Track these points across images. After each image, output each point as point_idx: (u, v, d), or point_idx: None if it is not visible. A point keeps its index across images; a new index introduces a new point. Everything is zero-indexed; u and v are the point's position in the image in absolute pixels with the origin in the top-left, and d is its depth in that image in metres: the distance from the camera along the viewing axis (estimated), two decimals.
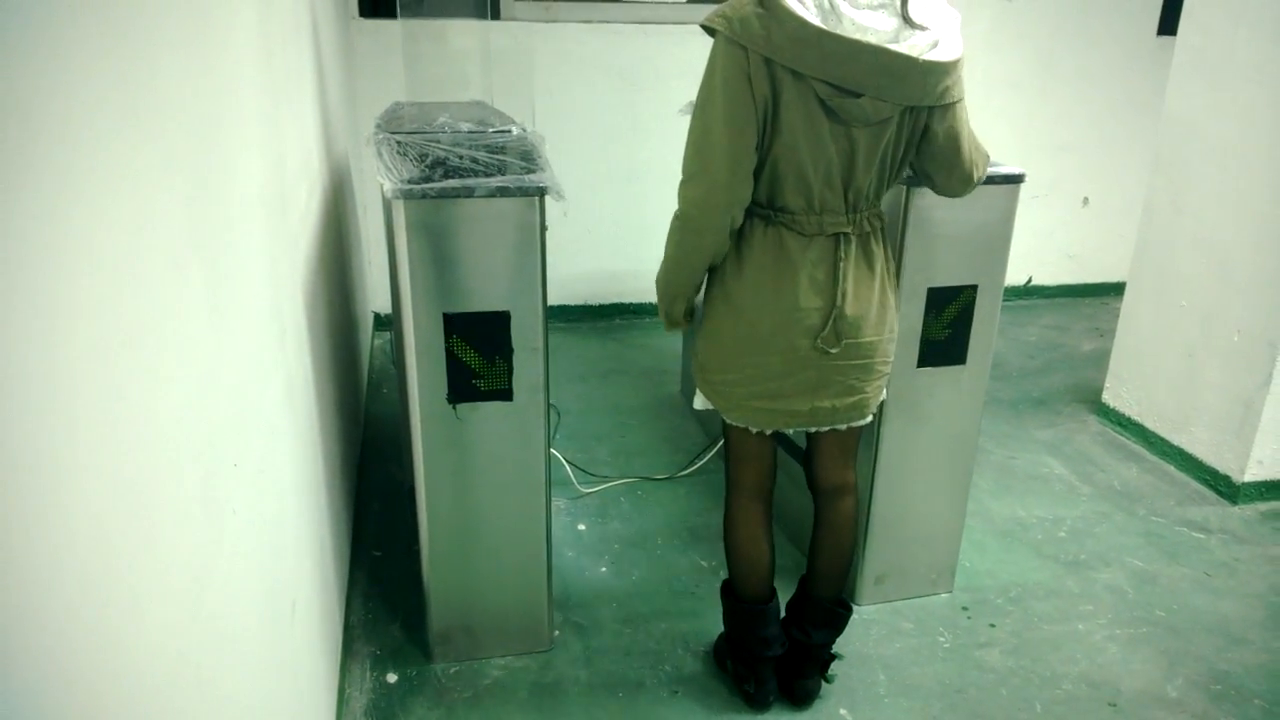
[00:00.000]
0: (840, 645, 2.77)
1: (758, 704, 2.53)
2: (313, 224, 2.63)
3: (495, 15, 4.65)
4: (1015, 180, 2.60)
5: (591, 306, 5.28)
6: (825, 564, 2.52)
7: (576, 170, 4.36)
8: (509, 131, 2.78)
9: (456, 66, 4.72)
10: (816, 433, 2.38)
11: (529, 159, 2.48)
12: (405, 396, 2.43)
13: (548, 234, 2.36)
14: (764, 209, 2.12)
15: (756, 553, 2.47)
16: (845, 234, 2.12)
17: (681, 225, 2.13)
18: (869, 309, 2.19)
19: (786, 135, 2.00)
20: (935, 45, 1.98)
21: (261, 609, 1.58)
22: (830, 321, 2.14)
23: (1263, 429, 3.54)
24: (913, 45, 1.93)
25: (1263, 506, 3.63)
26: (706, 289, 2.28)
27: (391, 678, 2.62)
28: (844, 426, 2.32)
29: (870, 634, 2.85)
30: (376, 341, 4.87)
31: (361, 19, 4.58)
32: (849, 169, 2.07)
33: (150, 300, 1.06)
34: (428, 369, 2.35)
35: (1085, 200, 5.72)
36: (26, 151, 0.77)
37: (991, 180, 2.57)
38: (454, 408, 2.40)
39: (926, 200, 2.54)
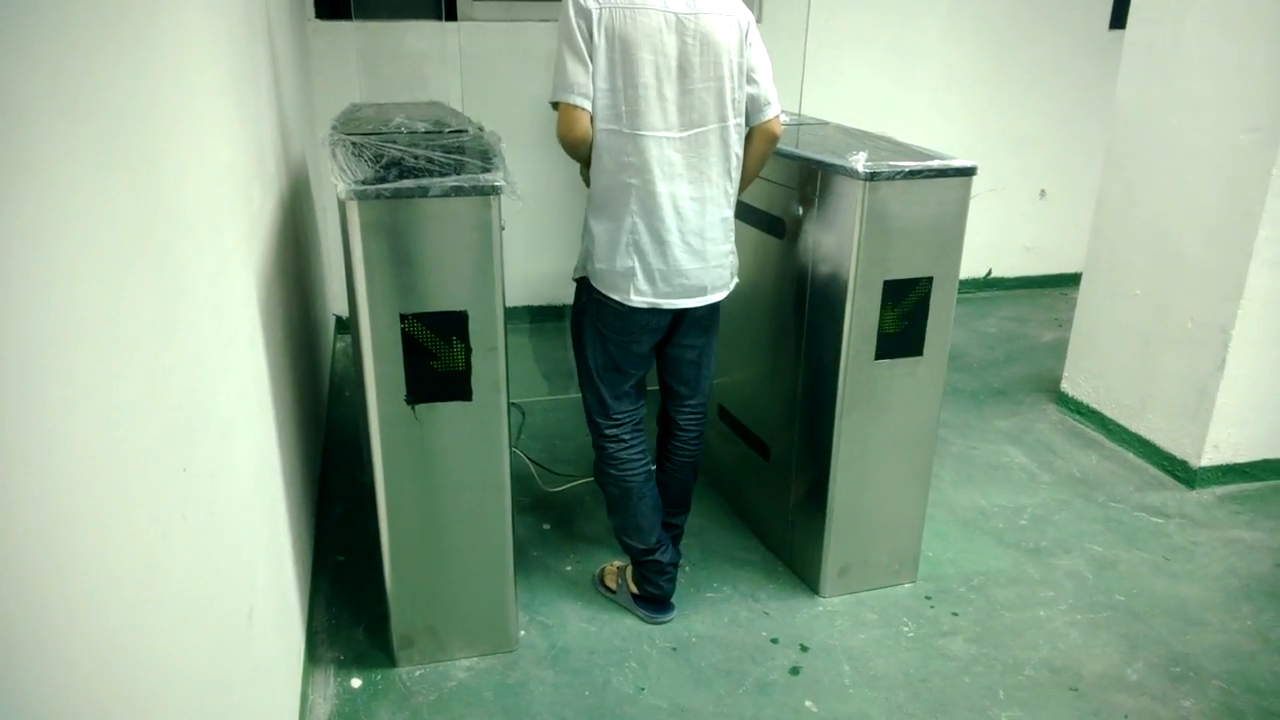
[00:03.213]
0: (805, 637, 2.82)
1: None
2: (268, 226, 2.61)
3: (451, 16, 4.64)
4: (967, 173, 2.62)
5: (556, 306, 5.27)
6: None
7: (536, 169, 4.35)
8: (465, 131, 2.78)
9: (413, 67, 4.70)
10: None
11: (486, 158, 2.47)
12: (363, 398, 2.41)
13: (505, 232, 2.35)
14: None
15: None
16: None
17: None
18: None
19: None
20: None
21: (214, 616, 1.57)
22: None
23: (1217, 414, 3.59)
24: None
25: (1219, 490, 3.68)
26: None
27: (356, 683, 2.60)
28: None
29: (835, 625, 2.87)
30: (339, 345, 4.84)
31: (318, 20, 4.55)
32: None
33: (91, 300, 1.05)
34: (385, 370, 2.34)
35: (1043, 193, 5.78)
36: None
37: (944, 173, 2.60)
38: (413, 408, 2.39)
39: (881, 194, 2.56)
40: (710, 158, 2.50)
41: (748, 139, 2.59)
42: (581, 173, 2.63)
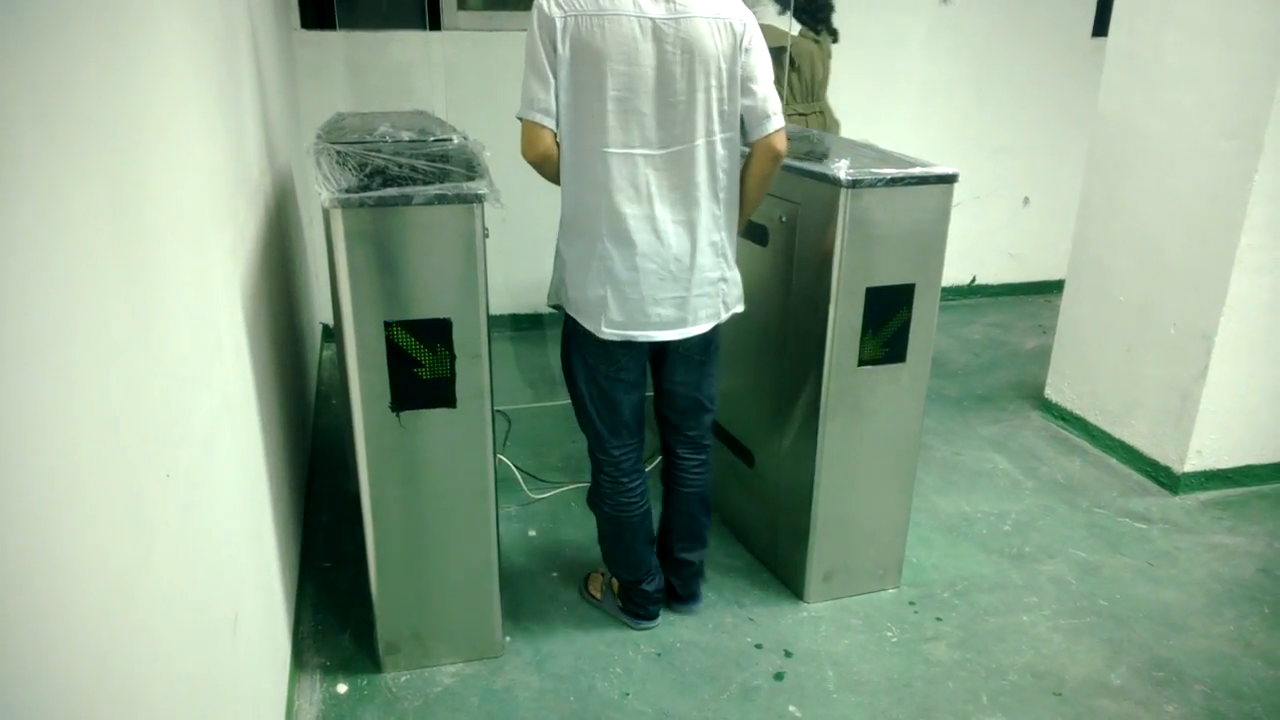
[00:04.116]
0: (789, 642, 2.82)
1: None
2: (252, 235, 2.62)
3: (436, 26, 4.65)
4: (948, 180, 2.64)
5: (538, 315, 5.28)
6: None
7: (520, 178, 4.35)
8: (450, 140, 2.79)
9: (398, 76, 4.71)
10: None
11: (470, 167, 2.48)
12: (348, 406, 2.42)
13: (488, 241, 2.36)
14: None
15: None
16: None
17: None
18: None
19: None
20: None
21: (198, 623, 1.57)
22: None
23: (1200, 420, 3.61)
24: None
25: (1202, 496, 3.71)
26: None
27: (342, 688, 2.60)
28: None
29: (819, 631, 2.87)
30: (326, 353, 4.84)
31: (304, 30, 4.56)
32: None
33: (70, 308, 1.06)
34: (370, 378, 2.35)
35: (1026, 200, 5.82)
36: None
37: (925, 180, 2.61)
38: (397, 416, 2.39)
39: (863, 201, 2.58)
40: (695, 177, 2.35)
41: (748, 156, 2.45)
42: None
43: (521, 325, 5.27)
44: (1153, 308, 3.76)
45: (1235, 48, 3.34)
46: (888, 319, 2.73)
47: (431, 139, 2.79)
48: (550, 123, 2.31)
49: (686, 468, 2.78)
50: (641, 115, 2.28)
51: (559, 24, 2.22)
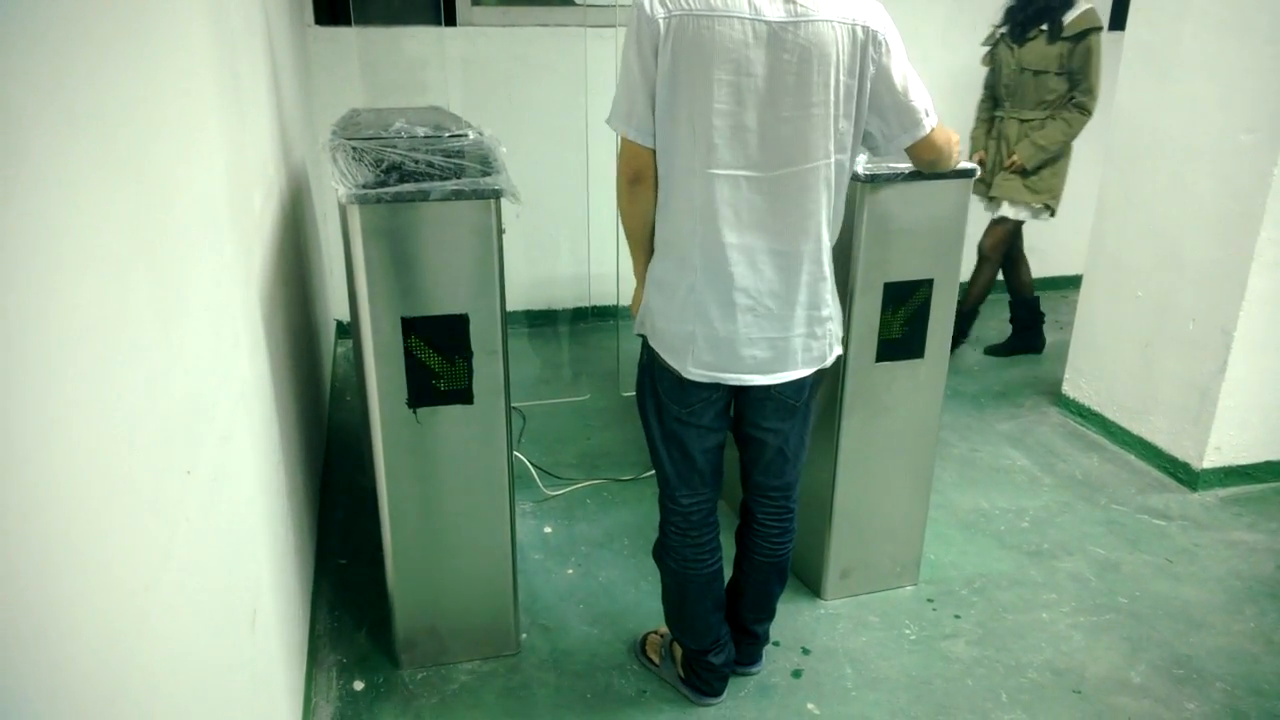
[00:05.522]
0: (807, 639, 2.81)
1: None
2: (268, 231, 2.62)
3: (451, 22, 4.65)
4: (967, 175, 2.62)
5: (553, 311, 5.28)
6: None
7: (535, 174, 4.36)
8: (465, 136, 2.78)
9: (413, 72, 4.71)
10: None
11: (486, 163, 2.47)
12: (365, 402, 2.41)
13: (506, 236, 2.36)
14: None
15: None
16: None
17: None
18: None
19: None
20: None
21: (217, 618, 1.57)
22: None
23: (1220, 416, 3.59)
24: None
25: (1221, 492, 3.68)
26: None
27: (358, 685, 2.60)
28: None
29: (837, 628, 2.86)
30: (340, 349, 4.85)
31: (317, 26, 4.56)
32: None
33: (91, 304, 1.05)
34: (387, 374, 2.34)
35: None
36: None
37: (943, 175, 2.59)
38: (414, 412, 2.39)
39: (881, 195, 2.56)
40: (806, 204, 2.08)
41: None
42: (635, 269, 2.29)
43: (537, 321, 5.26)
44: (1171, 303, 3.73)
45: (1254, 41, 3.32)
46: (906, 314, 2.71)
47: (447, 134, 2.79)
48: (648, 140, 2.05)
49: (766, 535, 2.49)
50: (748, 132, 2.00)
51: (662, 26, 1.94)
